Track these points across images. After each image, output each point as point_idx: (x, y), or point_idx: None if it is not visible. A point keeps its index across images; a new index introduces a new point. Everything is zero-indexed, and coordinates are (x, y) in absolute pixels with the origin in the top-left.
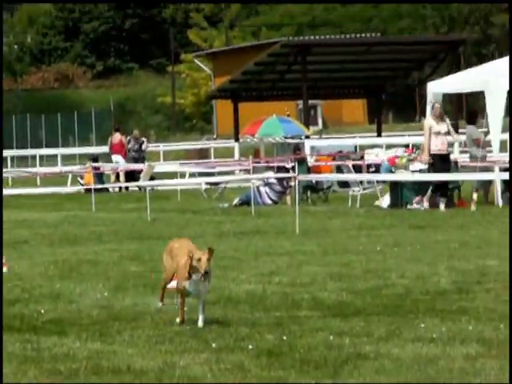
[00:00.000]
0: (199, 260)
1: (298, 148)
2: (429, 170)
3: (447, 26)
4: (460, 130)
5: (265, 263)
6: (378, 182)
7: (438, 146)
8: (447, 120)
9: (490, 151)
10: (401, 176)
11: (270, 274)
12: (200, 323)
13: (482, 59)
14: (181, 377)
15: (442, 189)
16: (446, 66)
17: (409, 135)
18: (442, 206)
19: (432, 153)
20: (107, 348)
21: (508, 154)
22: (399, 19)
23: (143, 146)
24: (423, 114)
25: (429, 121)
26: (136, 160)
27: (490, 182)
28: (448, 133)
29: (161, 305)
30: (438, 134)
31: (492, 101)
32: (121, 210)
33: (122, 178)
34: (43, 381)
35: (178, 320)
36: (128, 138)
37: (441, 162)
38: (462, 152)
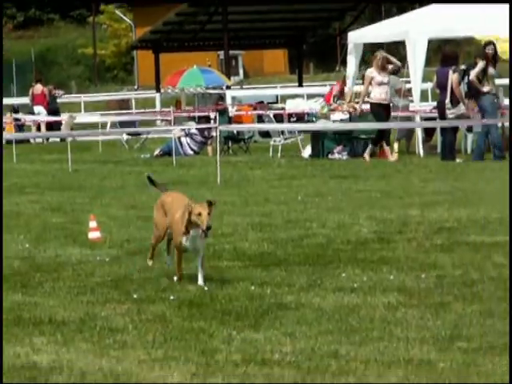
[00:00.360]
0: (199, 214)
1: (221, 98)
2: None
3: None
4: None
5: None
6: (299, 131)
7: (381, 95)
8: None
9: (412, 101)
10: (321, 126)
11: None
12: (200, 281)
13: (402, 9)
14: (102, 328)
15: (384, 138)
16: (367, 16)
17: (330, 85)
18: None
19: (374, 102)
20: (28, 299)
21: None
22: None
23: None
24: (344, 64)
25: (370, 71)
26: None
27: (411, 132)
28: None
29: (151, 263)
30: (381, 84)
31: (412, 50)
32: (42, 161)
33: (43, 128)
34: None
35: (175, 278)
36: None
37: (382, 111)
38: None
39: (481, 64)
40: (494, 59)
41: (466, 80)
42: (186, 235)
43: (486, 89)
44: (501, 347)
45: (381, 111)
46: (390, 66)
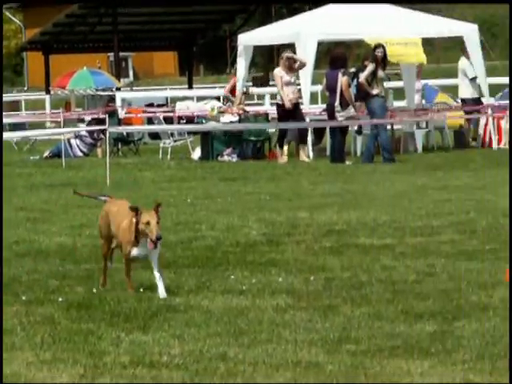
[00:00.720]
0: (148, 223)
1: (111, 100)
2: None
3: None
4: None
5: (75, 216)
6: (188, 133)
7: (289, 95)
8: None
9: (301, 103)
10: (211, 127)
11: (81, 227)
12: (162, 293)
13: (293, 11)
14: None
15: (302, 137)
16: (257, 18)
17: (220, 87)
18: (304, 155)
19: (280, 102)
20: None
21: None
22: None
23: None
24: (233, 66)
25: (279, 71)
26: None
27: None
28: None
29: (101, 280)
30: (288, 83)
31: (302, 53)
32: None
33: None
34: None
35: (130, 290)
36: None
37: (287, 112)
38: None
39: (370, 67)
40: (383, 62)
41: (355, 82)
42: (135, 246)
43: (375, 91)
44: (389, 349)
45: (283, 112)
46: (297, 65)
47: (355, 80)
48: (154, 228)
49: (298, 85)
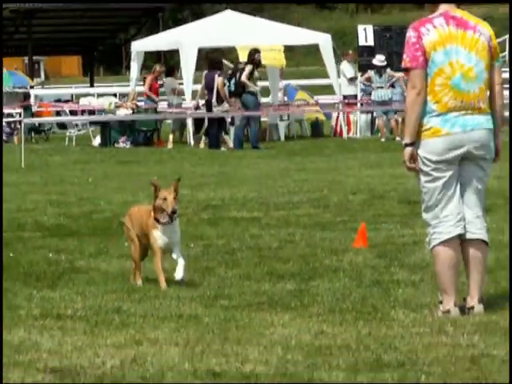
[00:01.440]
0: (165, 199)
1: (27, 96)
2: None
3: None
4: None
5: None
6: (90, 123)
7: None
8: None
9: (184, 99)
10: (108, 118)
11: None
12: (177, 275)
13: (177, 22)
14: None
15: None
16: (147, 28)
17: (117, 86)
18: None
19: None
20: None
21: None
22: None
23: None
24: (128, 69)
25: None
26: None
27: (183, 125)
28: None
29: (140, 283)
30: None
31: (185, 57)
32: None
33: None
34: None
35: (162, 286)
36: None
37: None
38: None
39: (249, 68)
40: (258, 64)
41: (233, 81)
42: (157, 228)
43: (252, 89)
44: (256, 305)
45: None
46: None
47: (233, 79)
48: (170, 203)
49: None
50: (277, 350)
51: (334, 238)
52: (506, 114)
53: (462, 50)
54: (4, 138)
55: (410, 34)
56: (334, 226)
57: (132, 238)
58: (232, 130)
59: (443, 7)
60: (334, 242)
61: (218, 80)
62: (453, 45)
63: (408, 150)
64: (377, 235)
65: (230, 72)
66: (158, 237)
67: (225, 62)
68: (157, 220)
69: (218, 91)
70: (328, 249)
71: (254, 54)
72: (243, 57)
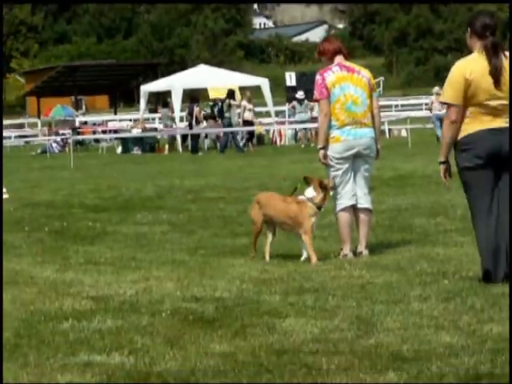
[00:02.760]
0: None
1: (74, 122)
2: None
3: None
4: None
5: None
6: (115, 138)
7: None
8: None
9: (175, 122)
10: (126, 135)
11: None
12: (304, 256)
13: (169, 73)
14: None
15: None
16: (150, 77)
17: (132, 114)
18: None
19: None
20: None
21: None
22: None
23: None
24: (138, 103)
25: None
26: None
27: (174, 139)
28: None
29: (253, 255)
30: None
31: (176, 95)
32: None
33: None
34: None
35: (313, 261)
36: None
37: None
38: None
39: (237, 102)
40: (233, 97)
41: (215, 109)
42: (316, 216)
43: (227, 114)
44: (222, 253)
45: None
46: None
47: (216, 107)
48: (329, 181)
49: None
50: (236, 282)
51: None
52: (383, 127)
53: (351, 86)
54: (59, 148)
55: (318, 77)
56: None
57: (257, 219)
58: (206, 142)
59: (337, 59)
60: None
61: (196, 110)
62: (345, 83)
63: (321, 151)
64: None
65: (210, 104)
66: (313, 220)
67: (216, 96)
68: (319, 208)
69: (196, 116)
70: None
71: (233, 92)
72: (213, 94)
